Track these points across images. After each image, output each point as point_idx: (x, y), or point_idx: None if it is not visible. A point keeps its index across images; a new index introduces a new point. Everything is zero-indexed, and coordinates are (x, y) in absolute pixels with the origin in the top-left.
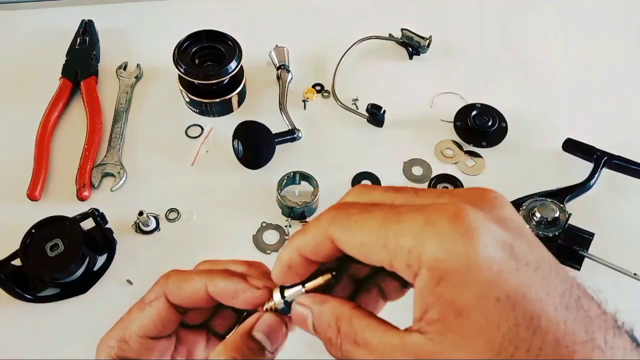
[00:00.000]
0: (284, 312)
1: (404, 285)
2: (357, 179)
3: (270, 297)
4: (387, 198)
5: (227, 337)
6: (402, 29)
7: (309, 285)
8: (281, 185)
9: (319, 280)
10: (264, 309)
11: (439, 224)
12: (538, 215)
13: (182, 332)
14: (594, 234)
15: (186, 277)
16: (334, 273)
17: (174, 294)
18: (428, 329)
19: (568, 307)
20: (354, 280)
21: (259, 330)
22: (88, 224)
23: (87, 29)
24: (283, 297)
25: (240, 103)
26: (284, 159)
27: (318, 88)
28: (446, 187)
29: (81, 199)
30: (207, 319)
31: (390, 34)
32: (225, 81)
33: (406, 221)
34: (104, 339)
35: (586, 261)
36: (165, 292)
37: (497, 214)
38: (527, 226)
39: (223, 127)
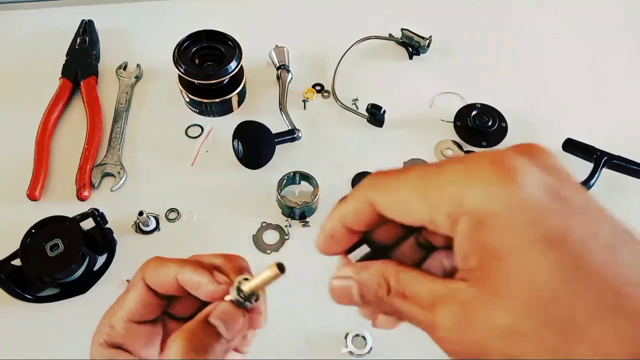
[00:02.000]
0: (241, 305)
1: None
2: (357, 179)
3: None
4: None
5: (186, 323)
6: (402, 29)
7: (257, 280)
8: (281, 185)
9: (267, 274)
10: (225, 300)
11: (480, 170)
12: None
13: (171, 324)
14: None
15: (163, 264)
16: (282, 266)
17: (151, 279)
18: (469, 276)
19: (615, 249)
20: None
21: (215, 316)
22: (88, 224)
23: (87, 29)
24: (240, 291)
25: (240, 103)
26: (284, 159)
27: (318, 88)
28: None
29: (81, 199)
30: (196, 311)
31: (390, 34)
32: (225, 81)
33: (446, 172)
34: (98, 327)
35: None
36: (144, 276)
37: (542, 161)
38: (574, 177)
39: (223, 127)
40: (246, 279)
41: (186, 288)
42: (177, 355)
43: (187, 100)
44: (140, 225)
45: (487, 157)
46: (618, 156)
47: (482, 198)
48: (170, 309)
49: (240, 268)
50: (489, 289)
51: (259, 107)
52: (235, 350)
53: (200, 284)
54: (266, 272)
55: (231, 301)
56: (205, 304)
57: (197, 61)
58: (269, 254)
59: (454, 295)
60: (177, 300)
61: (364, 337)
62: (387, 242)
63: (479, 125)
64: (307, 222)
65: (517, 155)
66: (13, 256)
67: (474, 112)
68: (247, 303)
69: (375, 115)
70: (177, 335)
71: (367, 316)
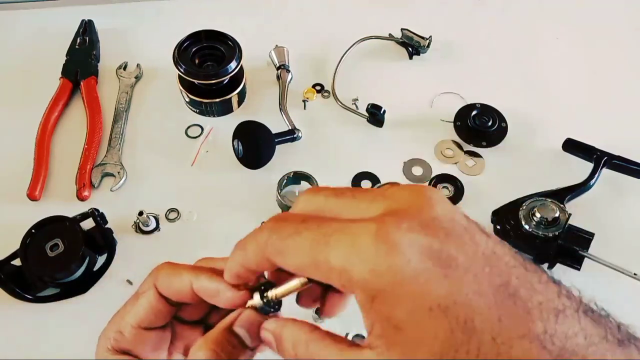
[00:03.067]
0: (265, 311)
1: None
2: (357, 179)
3: (251, 297)
4: (328, 205)
5: (208, 332)
6: (402, 29)
7: (284, 288)
8: (281, 185)
9: (295, 284)
10: (246, 307)
11: (363, 245)
12: (538, 215)
13: (179, 327)
14: (593, 234)
15: (176, 271)
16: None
17: (163, 286)
18: (376, 344)
19: (503, 302)
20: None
21: (240, 325)
22: (88, 224)
23: (87, 29)
24: (263, 297)
25: (240, 103)
26: (284, 159)
27: (318, 88)
28: (446, 187)
29: (81, 199)
30: (205, 315)
31: (390, 34)
32: (225, 81)
33: (333, 244)
34: (103, 332)
35: (586, 261)
36: (156, 283)
37: (425, 216)
38: (462, 218)
39: (223, 127)
40: (269, 283)
41: (202, 296)
42: None
43: (187, 100)
44: (140, 225)
45: (369, 230)
46: (618, 156)
47: (369, 275)
48: (179, 313)
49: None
50: (395, 358)
51: (259, 107)
52: None
53: (219, 292)
54: (295, 281)
55: (254, 308)
56: (214, 306)
57: (197, 61)
58: None
59: None
60: (186, 305)
61: (364, 337)
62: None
63: (479, 125)
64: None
65: (397, 225)
66: (13, 256)
67: (474, 112)
68: (271, 310)
69: (375, 115)
70: (201, 345)
71: None
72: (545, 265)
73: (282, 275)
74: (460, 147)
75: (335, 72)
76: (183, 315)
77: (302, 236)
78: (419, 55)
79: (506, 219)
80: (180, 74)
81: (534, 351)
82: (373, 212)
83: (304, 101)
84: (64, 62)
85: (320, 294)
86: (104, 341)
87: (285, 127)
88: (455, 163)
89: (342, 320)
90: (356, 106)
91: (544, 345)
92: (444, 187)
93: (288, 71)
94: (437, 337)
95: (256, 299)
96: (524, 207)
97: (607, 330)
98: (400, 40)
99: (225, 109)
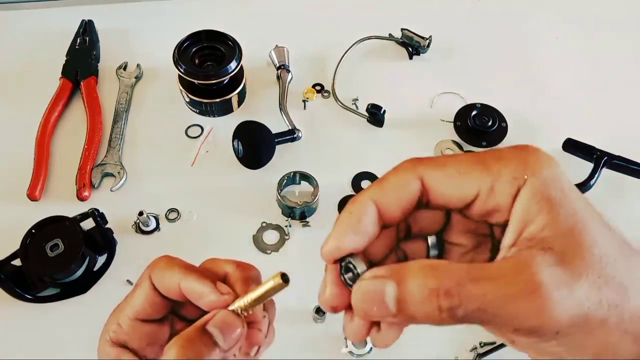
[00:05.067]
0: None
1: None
2: (357, 179)
3: (234, 300)
4: None
5: (184, 330)
6: (402, 29)
7: (260, 291)
8: (281, 185)
9: (270, 283)
10: (228, 309)
11: (535, 153)
12: None
13: (179, 324)
14: None
15: (170, 267)
16: (286, 277)
17: (156, 280)
18: (535, 243)
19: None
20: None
21: (213, 325)
22: (88, 224)
23: (87, 29)
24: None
25: (240, 103)
26: (284, 159)
27: (318, 88)
28: None
29: (81, 199)
30: (203, 313)
31: (390, 34)
32: (225, 81)
33: (504, 150)
34: (105, 325)
35: None
36: (151, 275)
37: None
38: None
39: (223, 127)
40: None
41: (188, 297)
42: None
43: (187, 100)
44: (140, 225)
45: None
46: (618, 156)
47: (547, 166)
48: (180, 310)
49: (249, 278)
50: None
51: (259, 107)
52: None
53: (203, 294)
54: (269, 282)
55: (233, 311)
56: None
57: (197, 61)
58: (269, 254)
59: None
60: (188, 302)
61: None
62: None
63: (479, 125)
64: (307, 222)
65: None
66: (13, 256)
67: (474, 112)
68: (244, 313)
69: (375, 115)
70: (173, 341)
71: (360, 333)
72: None
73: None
74: (460, 147)
75: (335, 72)
76: (184, 313)
77: (462, 155)
78: (419, 55)
79: None
80: (180, 74)
81: None
82: None
83: (304, 101)
84: (64, 62)
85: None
86: (105, 334)
87: (285, 127)
88: None
89: (342, 321)
90: (356, 106)
91: None
92: None
93: (288, 71)
94: (612, 244)
95: (235, 304)
96: None
97: None
98: (400, 40)
99: (225, 109)
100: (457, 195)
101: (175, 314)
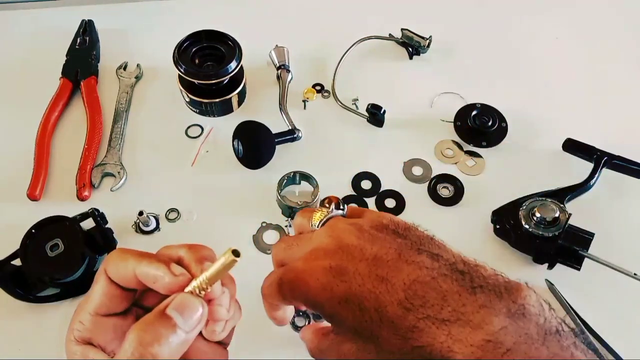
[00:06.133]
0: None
1: None
2: (357, 179)
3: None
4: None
5: (144, 316)
6: (402, 29)
7: (214, 268)
8: (281, 185)
9: (222, 260)
10: (186, 291)
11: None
12: (538, 215)
13: (143, 315)
14: (594, 234)
15: (123, 257)
16: (237, 252)
17: (112, 272)
18: None
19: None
20: None
21: (172, 307)
22: (88, 224)
23: (87, 29)
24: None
25: (240, 103)
26: (284, 159)
27: (318, 88)
28: (446, 187)
29: (81, 199)
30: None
31: (390, 34)
32: (225, 81)
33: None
34: (70, 324)
35: (586, 261)
36: (106, 269)
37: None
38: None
39: (223, 127)
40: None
41: (144, 282)
42: (131, 346)
43: (187, 100)
44: (140, 225)
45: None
46: (618, 156)
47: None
48: (142, 301)
49: (202, 258)
50: None
51: (259, 107)
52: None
53: (157, 278)
54: (221, 259)
55: (191, 292)
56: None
57: (197, 61)
58: (269, 253)
59: None
60: (148, 291)
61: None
62: None
63: (479, 125)
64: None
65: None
66: (13, 256)
67: (474, 112)
68: (202, 292)
69: (375, 115)
70: (134, 326)
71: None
72: (545, 265)
73: None
74: (460, 147)
75: (335, 72)
76: (146, 304)
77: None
78: (419, 55)
79: (506, 219)
80: (180, 74)
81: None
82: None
83: (304, 101)
84: (64, 62)
85: None
86: (69, 333)
87: (285, 127)
88: (456, 163)
89: None
90: (356, 106)
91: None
92: (443, 187)
93: (288, 71)
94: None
95: (190, 285)
96: (524, 207)
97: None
98: (400, 40)
99: (225, 109)
100: None
101: (138, 305)
